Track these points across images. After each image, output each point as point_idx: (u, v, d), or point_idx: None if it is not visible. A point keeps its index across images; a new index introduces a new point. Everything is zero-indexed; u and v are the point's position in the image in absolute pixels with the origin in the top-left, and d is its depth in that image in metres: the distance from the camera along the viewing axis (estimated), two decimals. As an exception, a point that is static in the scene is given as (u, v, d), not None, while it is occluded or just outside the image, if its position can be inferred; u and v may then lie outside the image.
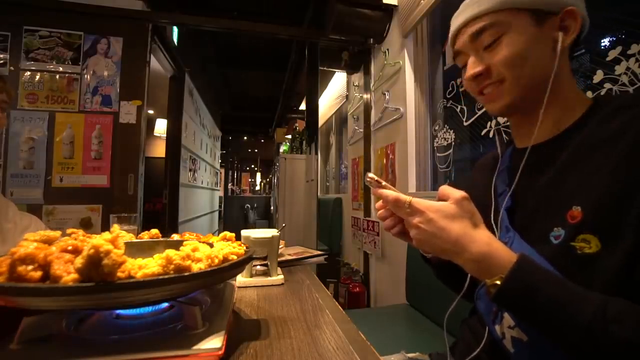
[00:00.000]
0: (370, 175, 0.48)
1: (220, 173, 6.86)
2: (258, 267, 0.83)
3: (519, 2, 0.47)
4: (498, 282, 0.39)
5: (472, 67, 0.51)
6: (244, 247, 0.52)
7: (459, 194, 0.42)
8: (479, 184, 0.62)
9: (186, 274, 0.37)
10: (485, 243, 0.41)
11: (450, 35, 0.55)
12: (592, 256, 0.38)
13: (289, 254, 1.08)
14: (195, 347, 0.37)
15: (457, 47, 0.54)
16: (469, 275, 0.49)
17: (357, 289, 2.19)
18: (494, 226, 0.52)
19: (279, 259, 0.89)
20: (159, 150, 5.18)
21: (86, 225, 1.85)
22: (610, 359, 0.34)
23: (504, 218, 0.51)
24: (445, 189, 0.44)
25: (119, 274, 0.34)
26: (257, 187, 11.99)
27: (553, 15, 0.47)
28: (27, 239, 0.36)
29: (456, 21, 0.53)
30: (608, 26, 0.93)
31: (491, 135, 1.33)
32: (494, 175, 0.58)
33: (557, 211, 0.43)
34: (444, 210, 0.42)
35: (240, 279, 0.77)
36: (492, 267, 0.40)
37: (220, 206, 6.56)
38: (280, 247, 0.97)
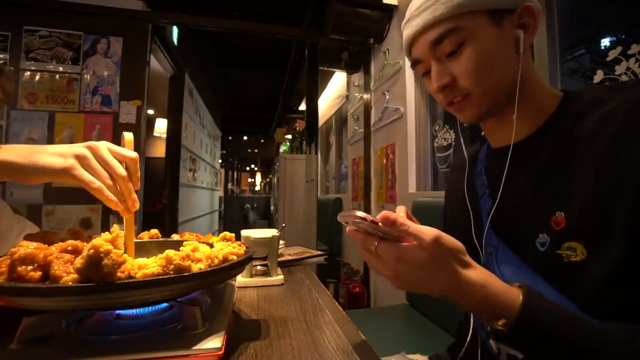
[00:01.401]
0: (361, 215, 0.37)
1: (220, 173, 6.86)
2: (258, 267, 0.83)
3: (475, 4, 0.45)
4: (503, 328, 0.35)
5: (438, 79, 0.49)
6: (244, 247, 0.52)
7: (430, 236, 0.35)
8: (457, 187, 0.61)
9: (186, 274, 0.37)
10: (480, 286, 0.36)
11: (404, 41, 0.53)
12: (578, 264, 0.38)
13: (289, 254, 1.08)
14: (195, 347, 0.37)
15: (415, 56, 0.52)
16: None
17: (357, 289, 2.19)
18: (474, 235, 0.52)
19: (279, 259, 0.89)
20: (159, 150, 5.18)
21: (86, 226, 1.85)
22: None
23: (485, 224, 0.50)
24: (412, 231, 0.35)
25: (119, 274, 0.34)
26: (257, 187, 11.99)
27: (510, 13, 0.46)
28: (22, 244, 0.36)
29: (410, 27, 0.50)
30: (608, 26, 0.93)
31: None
32: (470, 176, 0.58)
33: (541, 216, 0.42)
34: (419, 260, 0.35)
35: (240, 279, 0.77)
36: (494, 310, 0.36)
37: (220, 206, 6.56)
38: (280, 247, 0.97)
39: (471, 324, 0.49)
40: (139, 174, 0.49)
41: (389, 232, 0.37)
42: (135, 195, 0.47)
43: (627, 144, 0.37)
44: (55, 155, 0.44)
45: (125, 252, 0.50)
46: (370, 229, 0.38)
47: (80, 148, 0.45)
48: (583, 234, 0.38)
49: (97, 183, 0.43)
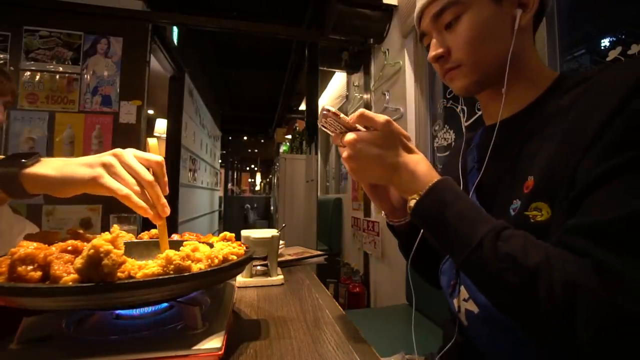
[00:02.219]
0: (328, 107, 0.45)
1: (220, 173, 6.86)
2: (258, 267, 0.83)
3: None
4: (416, 197, 0.42)
5: (434, 49, 0.51)
6: (244, 247, 0.52)
7: (382, 118, 0.43)
8: (451, 167, 0.63)
9: (186, 274, 0.37)
10: (413, 165, 0.44)
11: (415, 16, 0.55)
12: (544, 224, 0.38)
13: (289, 254, 1.08)
14: (195, 347, 0.37)
15: (422, 29, 0.54)
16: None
17: (357, 289, 2.19)
18: None
19: (279, 259, 0.89)
20: (158, 150, 5.18)
21: (86, 226, 1.85)
22: (488, 271, 0.35)
23: (472, 196, 0.52)
24: (366, 115, 0.44)
25: (119, 274, 0.34)
26: (257, 187, 11.99)
27: None
28: (22, 244, 0.36)
29: (419, 1, 0.53)
30: (608, 26, 0.93)
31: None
32: (464, 154, 0.59)
33: (516, 184, 0.43)
34: (373, 139, 0.43)
35: (240, 279, 0.77)
36: (415, 186, 0.43)
37: (220, 206, 6.56)
38: (280, 247, 0.97)
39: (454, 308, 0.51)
40: (166, 178, 0.48)
41: (350, 123, 0.45)
42: (164, 201, 0.47)
43: (591, 111, 0.37)
44: (83, 166, 0.44)
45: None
46: (335, 122, 0.46)
47: (106, 156, 0.44)
48: (547, 194, 0.39)
49: (125, 190, 0.42)
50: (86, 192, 0.44)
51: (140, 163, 0.46)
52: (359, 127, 0.45)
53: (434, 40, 0.52)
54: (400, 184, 0.45)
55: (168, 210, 0.47)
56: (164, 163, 0.48)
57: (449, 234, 0.39)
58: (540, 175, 0.40)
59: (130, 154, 0.46)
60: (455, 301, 0.50)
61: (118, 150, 0.45)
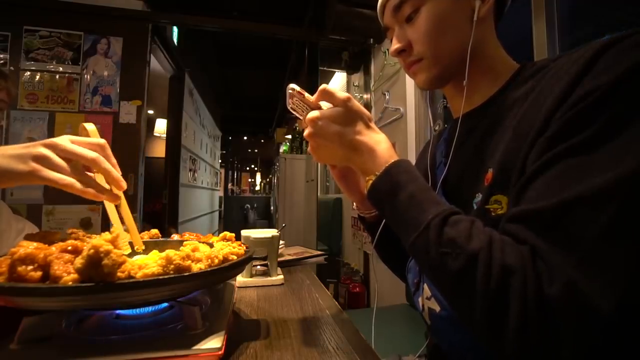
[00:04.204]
0: (293, 86, 0.46)
1: (220, 173, 6.86)
2: (258, 267, 0.83)
3: None
4: (373, 178, 0.42)
5: (395, 43, 0.51)
6: (244, 247, 0.52)
7: (342, 95, 0.43)
8: (422, 161, 0.63)
9: (186, 274, 0.37)
10: (373, 144, 0.43)
11: (378, 10, 0.55)
12: (502, 217, 0.38)
13: (289, 254, 1.08)
14: (195, 347, 0.37)
15: (384, 23, 0.54)
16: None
17: (357, 289, 2.19)
18: None
19: (279, 259, 0.89)
20: (159, 150, 5.18)
21: (86, 226, 1.85)
22: (432, 255, 0.35)
23: (438, 191, 0.52)
24: (327, 90, 0.44)
25: (119, 274, 0.34)
26: (257, 187, 11.99)
27: None
28: (22, 244, 0.36)
29: None
30: (608, 26, 0.93)
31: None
32: (433, 148, 0.60)
33: (478, 177, 0.43)
34: (333, 116, 0.43)
35: (240, 279, 0.77)
36: (373, 167, 0.42)
37: (220, 206, 6.56)
38: (280, 247, 0.97)
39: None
40: (113, 160, 0.46)
41: (314, 102, 0.45)
42: (117, 174, 0.45)
43: (541, 100, 0.37)
44: (13, 159, 0.41)
45: (130, 235, 0.49)
46: (301, 103, 0.46)
47: (39, 148, 0.42)
48: (504, 186, 0.38)
49: (67, 179, 0.41)
50: (16, 185, 0.43)
51: (80, 147, 0.44)
52: (324, 107, 0.45)
53: (395, 33, 0.51)
54: (360, 163, 0.44)
55: (124, 184, 0.46)
56: (106, 144, 0.47)
57: (400, 216, 0.39)
58: (498, 167, 0.40)
59: (66, 140, 0.44)
60: (419, 299, 0.50)
61: (51, 140, 0.43)
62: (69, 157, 0.43)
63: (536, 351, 0.29)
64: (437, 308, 0.45)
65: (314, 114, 0.44)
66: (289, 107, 0.48)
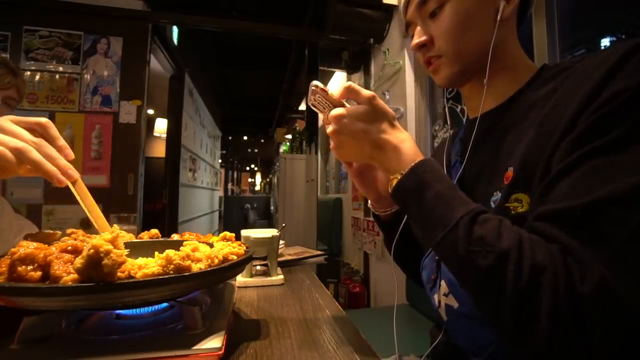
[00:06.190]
0: (316, 83, 0.45)
1: (220, 173, 6.86)
2: (258, 267, 0.83)
3: None
4: (398, 177, 0.42)
5: (417, 37, 0.50)
6: (244, 247, 0.52)
7: (367, 93, 0.43)
8: (438, 159, 0.63)
9: (186, 274, 0.37)
10: (397, 143, 0.43)
11: (402, 5, 0.55)
12: (524, 215, 0.38)
13: (289, 254, 1.08)
14: (195, 347, 0.37)
15: (407, 18, 0.54)
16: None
17: (357, 289, 2.19)
18: None
19: (279, 259, 0.89)
20: (159, 150, 5.18)
21: (86, 226, 1.85)
22: (460, 253, 0.35)
23: None
24: (352, 88, 0.44)
25: (119, 274, 0.34)
26: (257, 187, 11.99)
27: None
28: (22, 244, 0.36)
29: None
30: (608, 26, 0.93)
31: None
32: (449, 148, 0.59)
33: (496, 176, 0.43)
34: (358, 113, 0.43)
35: (240, 279, 0.77)
36: (398, 166, 0.42)
37: (220, 206, 6.56)
38: (280, 247, 0.97)
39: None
40: (61, 141, 0.43)
41: (338, 99, 0.45)
42: (63, 162, 0.42)
43: (567, 99, 0.37)
44: None
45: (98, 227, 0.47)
46: (323, 100, 0.46)
47: None
48: (526, 185, 0.38)
49: (9, 154, 0.38)
50: None
51: (21, 127, 0.41)
52: (346, 104, 0.45)
53: (418, 28, 0.51)
54: (384, 162, 0.44)
55: (74, 174, 0.43)
56: (50, 124, 0.43)
57: (427, 214, 0.39)
58: (519, 166, 0.40)
59: (5, 120, 0.41)
60: (435, 296, 0.50)
61: None
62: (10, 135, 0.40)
63: (567, 348, 0.29)
64: (456, 304, 0.45)
65: (338, 111, 0.44)
66: (309, 104, 0.48)
